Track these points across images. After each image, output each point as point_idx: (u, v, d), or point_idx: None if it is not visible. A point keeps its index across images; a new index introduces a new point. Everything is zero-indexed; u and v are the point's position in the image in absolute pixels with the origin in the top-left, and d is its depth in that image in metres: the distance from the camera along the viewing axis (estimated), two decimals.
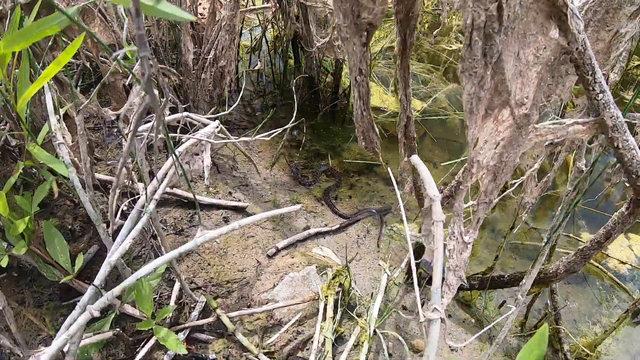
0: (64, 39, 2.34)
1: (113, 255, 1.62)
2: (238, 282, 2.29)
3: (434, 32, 4.80)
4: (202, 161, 1.80)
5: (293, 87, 2.63)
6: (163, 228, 2.59)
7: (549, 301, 2.75)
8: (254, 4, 3.68)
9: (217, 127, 1.86)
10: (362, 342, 1.89)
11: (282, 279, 2.28)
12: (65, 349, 1.55)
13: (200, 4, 3.51)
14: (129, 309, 2.10)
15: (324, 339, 1.94)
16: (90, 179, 1.76)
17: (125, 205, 2.34)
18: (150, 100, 0.68)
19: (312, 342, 1.98)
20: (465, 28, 1.04)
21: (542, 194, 2.20)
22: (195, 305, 2.12)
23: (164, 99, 1.33)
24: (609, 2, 1.40)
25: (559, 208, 1.75)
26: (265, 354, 1.95)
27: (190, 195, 2.70)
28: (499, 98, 1.23)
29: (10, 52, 1.55)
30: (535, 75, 1.31)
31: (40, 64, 1.92)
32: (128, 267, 1.95)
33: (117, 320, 2.11)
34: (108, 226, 1.90)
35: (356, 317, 2.10)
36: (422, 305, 2.40)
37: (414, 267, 1.35)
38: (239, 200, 2.78)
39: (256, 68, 3.98)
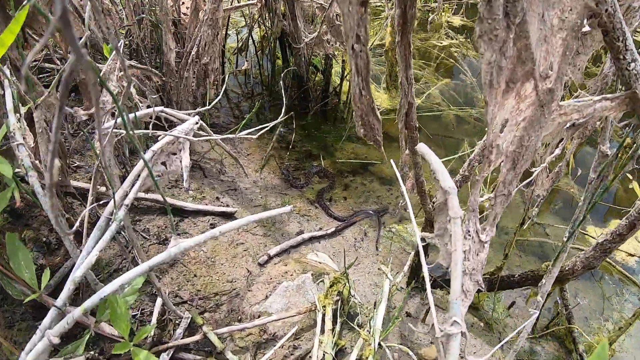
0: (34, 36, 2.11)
1: (77, 271, 1.39)
2: (227, 294, 2.05)
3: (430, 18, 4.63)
4: (181, 161, 1.57)
5: (281, 82, 2.41)
6: (146, 237, 2.35)
7: (559, 299, 2.54)
8: (238, 2, 3.47)
9: (197, 123, 1.63)
10: (366, 357, 1.66)
11: (275, 289, 2.04)
12: None
13: (183, 3, 3.30)
14: (106, 328, 1.85)
15: (323, 355, 1.71)
16: (52, 184, 1.52)
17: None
18: (74, 58, 0.46)
19: (311, 358, 1.75)
20: None
21: (553, 185, 2.00)
22: (180, 322, 1.88)
23: (126, 85, 1.11)
24: None
25: (582, 198, 1.54)
26: None
27: (176, 201, 2.47)
28: (522, 68, 1.02)
29: None
30: (560, 43, 1.10)
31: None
32: (101, 283, 1.71)
33: (94, 341, 1.87)
34: (80, 237, 1.66)
35: (358, 329, 1.87)
36: (428, 311, 2.17)
37: (426, 275, 1.12)
38: (227, 206, 2.55)
39: (243, 68, 3.76)
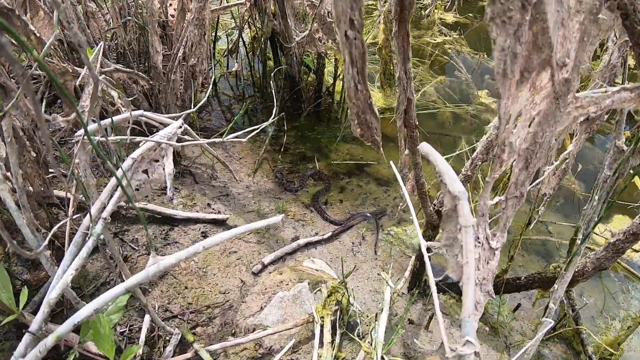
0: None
1: (52, 292, 1.25)
2: (220, 307, 1.91)
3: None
4: (163, 169, 1.44)
5: (272, 81, 2.28)
6: (134, 248, 2.21)
7: (565, 300, 2.42)
8: (227, 1, 3.33)
9: (180, 127, 1.50)
10: None
11: (270, 299, 1.91)
12: None
13: (170, 4, 3.16)
14: (92, 348, 1.71)
15: None
16: (24, 197, 1.38)
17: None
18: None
19: None
20: None
21: (559, 183, 1.89)
22: (170, 339, 1.74)
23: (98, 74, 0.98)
24: None
25: (596, 197, 1.42)
26: None
27: (165, 209, 2.33)
28: (538, 55, 0.89)
29: None
30: (578, 27, 0.97)
31: None
32: (83, 302, 1.57)
33: None
34: (62, 252, 1.52)
35: (358, 340, 1.74)
36: (431, 318, 2.05)
37: (433, 289, 1.00)
38: (219, 212, 2.42)
39: (233, 70, 3.62)
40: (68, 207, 1.59)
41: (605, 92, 1.12)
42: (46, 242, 1.15)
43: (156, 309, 1.88)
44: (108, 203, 1.31)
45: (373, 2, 4.71)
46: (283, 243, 2.30)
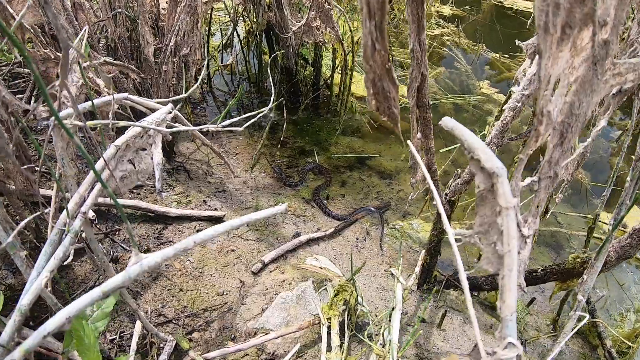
0: None
1: (24, 298, 1.07)
2: (218, 310, 1.74)
3: None
4: (152, 158, 1.27)
5: (268, 68, 2.10)
6: (125, 248, 2.03)
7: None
8: None
9: (170, 112, 1.33)
10: None
11: (272, 300, 1.74)
12: None
13: None
14: (78, 358, 1.53)
15: None
16: None
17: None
18: None
19: None
20: None
21: (578, 168, 1.73)
22: (164, 346, 1.57)
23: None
24: None
25: (628, 181, 1.26)
26: None
27: (158, 207, 2.15)
28: (581, 8, 0.74)
29: None
30: None
31: None
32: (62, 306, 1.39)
33: None
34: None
35: (369, 342, 1.57)
36: (444, 315, 1.89)
37: (465, 287, 0.83)
38: (215, 209, 2.24)
39: (228, 63, 3.45)
40: (52, 202, 1.41)
41: None
42: (12, 237, 0.97)
43: (149, 313, 1.70)
44: (88, 196, 1.14)
45: None
46: (284, 240, 2.13)
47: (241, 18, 3.54)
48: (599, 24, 0.80)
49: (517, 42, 1.70)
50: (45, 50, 1.84)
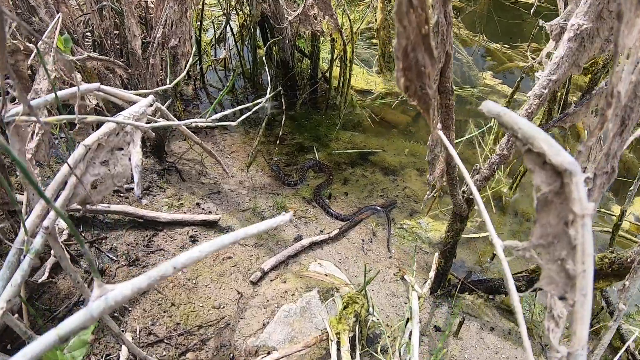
0: None
1: None
2: (214, 325, 1.53)
3: None
4: (129, 159, 1.05)
5: (263, 59, 1.88)
6: (112, 259, 1.81)
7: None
8: None
9: (151, 104, 1.11)
10: None
11: (273, 314, 1.53)
12: None
13: None
14: None
15: None
16: None
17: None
18: None
19: None
20: None
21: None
22: None
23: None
24: None
25: None
26: None
27: (147, 212, 1.93)
28: None
29: None
30: None
31: None
32: (37, 335, 1.17)
33: None
34: None
35: (382, 359, 1.37)
36: (462, 324, 1.69)
37: (518, 311, 0.63)
38: (210, 212, 2.02)
39: (221, 58, 3.22)
40: (23, 207, 1.19)
41: None
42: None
43: (137, 332, 1.49)
44: (51, 208, 0.92)
45: None
46: (284, 244, 1.92)
47: (234, 11, 3.30)
48: None
49: (541, 22, 1.49)
50: (14, 42, 1.61)
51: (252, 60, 3.23)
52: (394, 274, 1.92)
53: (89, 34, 2.90)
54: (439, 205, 2.29)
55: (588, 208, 0.57)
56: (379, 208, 2.24)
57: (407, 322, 1.43)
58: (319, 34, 2.52)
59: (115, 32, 2.76)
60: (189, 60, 2.10)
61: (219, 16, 3.98)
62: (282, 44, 2.80)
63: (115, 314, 1.57)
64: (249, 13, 2.96)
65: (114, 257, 1.82)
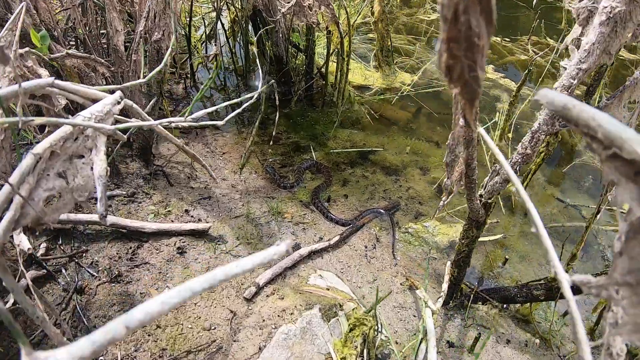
0: None
1: None
2: (205, 350, 1.33)
3: None
4: (91, 168, 0.85)
5: (255, 49, 1.68)
6: (93, 275, 1.61)
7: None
8: None
9: (119, 102, 0.91)
10: None
11: (270, 336, 1.34)
12: None
13: None
14: None
15: None
16: None
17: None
18: None
19: None
20: None
21: None
22: None
23: None
24: None
25: None
26: None
27: (130, 222, 1.73)
28: None
29: None
30: None
31: None
32: None
33: None
34: None
35: None
36: (477, 339, 1.50)
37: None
38: (199, 220, 1.82)
39: (212, 54, 3.01)
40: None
41: None
42: None
43: None
44: None
45: None
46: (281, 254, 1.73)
47: (225, 7, 3.09)
48: None
49: (565, 3, 1.30)
50: None
51: (244, 57, 3.02)
52: (401, 284, 1.73)
53: (73, 31, 2.68)
54: (445, 207, 2.10)
55: None
56: (382, 211, 2.05)
57: (422, 342, 1.25)
58: (314, 25, 2.32)
59: (102, 31, 2.55)
60: (172, 53, 1.89)
61: (209, 12, 3.75)
62: (275, 38, 2.59)
63: None
64: (240, 7, 2.75)
65: (94, 273, 1.62)
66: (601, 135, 0.42)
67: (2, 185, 0.73)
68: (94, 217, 1.65)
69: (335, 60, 2.66)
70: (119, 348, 1.34)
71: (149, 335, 1.38)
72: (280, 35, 2.56)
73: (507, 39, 3.69)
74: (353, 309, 1.41)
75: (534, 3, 3.32)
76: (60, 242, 1.73)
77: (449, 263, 1.56)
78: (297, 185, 2.20)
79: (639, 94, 1.25)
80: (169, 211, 1.85)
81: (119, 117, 0.98)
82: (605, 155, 0.43)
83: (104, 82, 2.23)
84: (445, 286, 1.50)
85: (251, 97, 1.29)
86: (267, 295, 1.52)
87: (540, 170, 2.53)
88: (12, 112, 1.03)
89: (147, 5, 1.95)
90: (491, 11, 0.42)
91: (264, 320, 1.41)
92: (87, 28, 2.50)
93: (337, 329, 1.37)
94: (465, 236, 1.42)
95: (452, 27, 0.42)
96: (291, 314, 1.42)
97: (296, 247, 1.77)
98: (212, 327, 1.40)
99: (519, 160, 1.26)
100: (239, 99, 1.24)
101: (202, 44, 3.38)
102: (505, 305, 1.79)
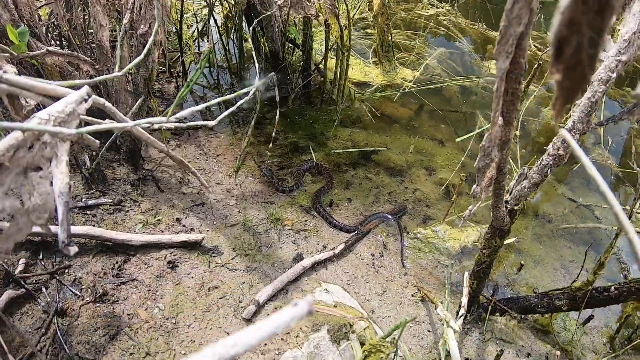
0: None
1: None
2: None
3: None
4: (51, 183, 0.66)
5: (250, 40, 1.49)
6: (76, 294, 1.42)
7: None
8: None
9: (85, 99, 0.72)
10: None
11: None
12: None
13: None
14: None
15: None
16: None
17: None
18: None
19: None
20: None
21: None
22: None
23: None
24: None
25: None
26: None
27: (116, 234, 1.54)
28: None
29: None
30: None
31: None
32: None
33: None
34: None
35: None
36: (499, 356, 1.34)
37: None
38: (192, 230, 1.64)
39: (204, 50, 2.81)
40: None
41: None
42: None
43: None
44: None
45: None
46: (282, 266, 1.55)
47: (217, 2, 2.89)
48: None
49: None
50: None
51: (238, 54, 2.82)
52: (412, 295, 1.57)
53: (58, 28, 2.46)
54: (455, 210, 1.94)
55: None
56: (388, 216, 1.88)
57: None
58: (312, 18, 2.13)
59: (90, 29, 2.34)
60: (159, 44, 1.70)
61: (201, 8, 3.54)
62: (271, 33, 2.40)
63: None
64: (233, 1, 2.55)
65: (77, 292, 1.43)
66: None
67: None
68: (86, 229, 1.46)
69: (334, 56, 2.48)
70: None
71: None
72: (277, 29, 2.37)
73: None
74: (365, 329, 1.24)
75: None
76: (41, 256, 1.54)
77: (466, 274, 1.39)
78: (297, 188, 2.02)
79: None
80: (159, 220, 1.67)
81: (89, 118, 0.80)
82: None
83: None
84: (465, 300, 1.33)
85: (246, 93, 1.11)
86: (269, 315, 1.34)
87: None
88: None
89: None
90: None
91: (265, 345, 1.23)
92: (71, 24, 2.30)
93: (347, 352, 1.20)
94: (487, 246, 1.26)
95: (573, 10, 0.25)
96: (296, 336, 1.24)
97: (298, 257, 1.59)
98: None
99: (550, 163, 1.10)
100: (233, 95, 1.06)
101: (194, 41, 3.18)
102: (523, 315, 1.63)
